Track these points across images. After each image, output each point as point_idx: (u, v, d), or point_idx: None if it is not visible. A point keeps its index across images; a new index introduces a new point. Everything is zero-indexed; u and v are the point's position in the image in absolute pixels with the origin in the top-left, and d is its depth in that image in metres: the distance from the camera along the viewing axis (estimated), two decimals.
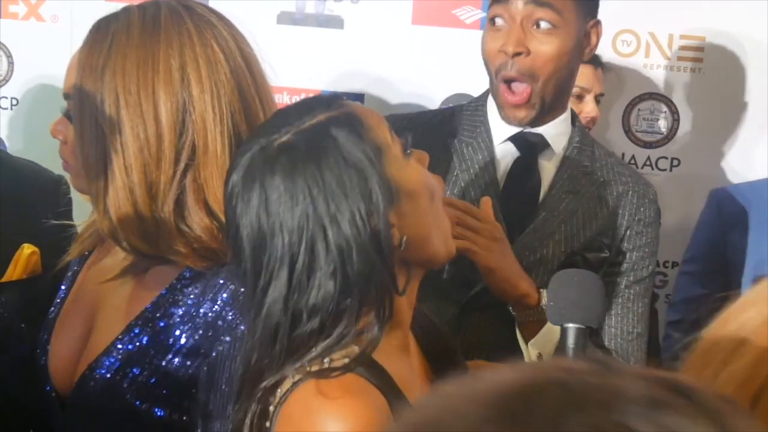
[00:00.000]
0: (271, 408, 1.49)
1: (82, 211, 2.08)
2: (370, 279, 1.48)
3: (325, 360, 1.48)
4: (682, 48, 3.31)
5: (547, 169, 2.32)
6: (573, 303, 1.77)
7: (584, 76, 2.93)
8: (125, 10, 1.73)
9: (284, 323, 1.50)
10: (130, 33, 1.68)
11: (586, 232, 2.27)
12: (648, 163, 3.37)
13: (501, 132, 2.30)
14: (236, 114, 1.68)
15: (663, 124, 3.34)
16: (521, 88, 2.21)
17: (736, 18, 3.24)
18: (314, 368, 1.48)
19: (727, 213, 2.96)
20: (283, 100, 3.40)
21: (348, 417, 1.44)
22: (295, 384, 1.48)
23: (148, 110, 1.65)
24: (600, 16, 2.29)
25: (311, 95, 3.33)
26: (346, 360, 1.48)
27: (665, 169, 3.36)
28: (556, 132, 2.31)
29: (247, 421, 1.49)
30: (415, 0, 3.32)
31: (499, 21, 2.20)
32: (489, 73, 2.26)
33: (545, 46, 2.18)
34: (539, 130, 2.29)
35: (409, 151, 1.58)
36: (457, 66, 3.29)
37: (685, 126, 3.34)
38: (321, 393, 1.45)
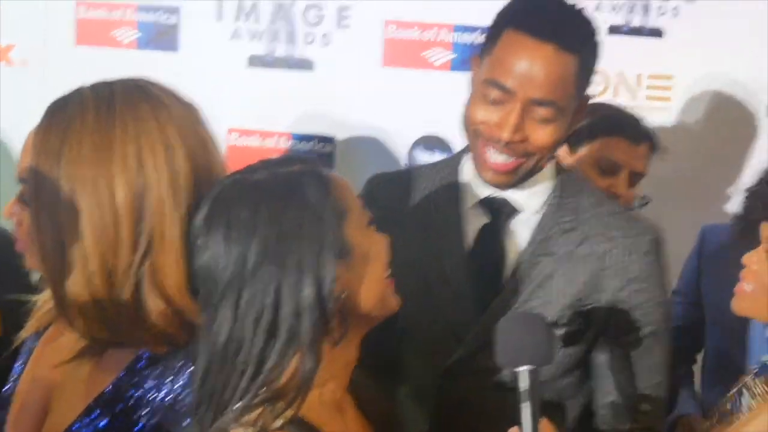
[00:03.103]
0: None
1: None
2: (303, 321, 1.55)
3: (259, 423, 1.52)
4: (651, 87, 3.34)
5: (521, 232, 2.20)
6: (521, 346, 1.73)
7: (621, 149, 2.80)
8: (78, 92, 1.69)
9: (229, 352, 1.56)
10: (84, 118, 1.64)
11: (563, 299, 2.16)
12: None
13: (472, 196, 2.23)
14: (192, 197, 1.65)
15: None
16: (510, 162, 2.12)
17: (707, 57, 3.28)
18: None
19: (706, 251, 3.00)
20: (254, 142, 3.40)
21: None
22: None
23: (104, 197, 1.61)
24: None
25: (283, 137, 3.36)
26: (280, 422, 1.52)
27: None
28: (531, 192, 2.21)
29: None
30: (385, 42, 3.34)
31: (493, 95, 2.09)
32: (468, 134, 2.17)
33: (542, 133, 2.09)
34: (513, 193, 2.20)
35: (373, 223, 1.67)
36: (427, 107, 3.31)
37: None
38: None
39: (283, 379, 1.55)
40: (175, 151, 1.65)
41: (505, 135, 2.06)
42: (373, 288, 1.65)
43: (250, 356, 1.55)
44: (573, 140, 2.77)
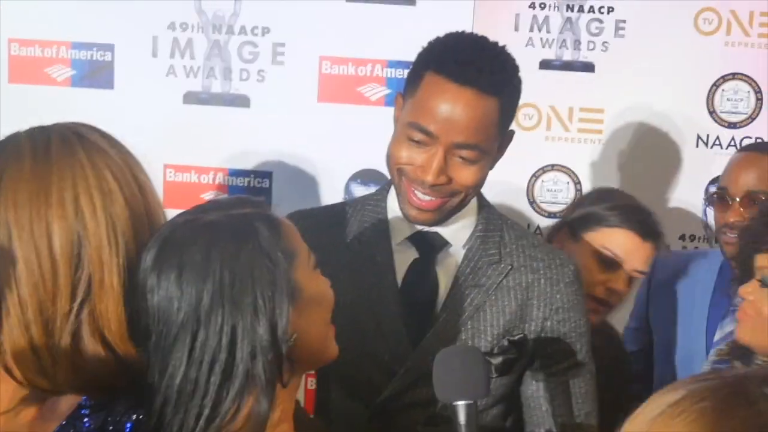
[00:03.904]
0: None
1: None
2: (258, 364, 1.55)
3: None
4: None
5: (450, 265, 2.22)
6: (458, 380, 1.76)
7: (626, 243, 2.67)
8: (14, 137, 1.67)
9: (184, 394, 1.55)
10: (20, 165, 1.62)
11: (494, 329, 2.18)
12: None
13: (400, 231, 2.24)
14: (129, 243, 1.64)
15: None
16: (434, 200, 2.13)
17: None
18: None
19: (655, 279, 3.04)
20: (191, 178, 3.40)
21: None
22: None
23: (42, 244, 1.59)
24: None
25: (220, 173, 3.36)
26: None
27: None
28: (457, 227, 2.23)
29: None
30: (320, 78, 3.36)
31: (417, 137, 2.08)
32: (392, 172, 2.17)
33: (466, 173, 2.10)
34: (439, 228, 2.21)
35: (318, 268, 1.69)
36: (363, 142, 3.32)
37: None
38: None
39: (239, 421, 1.55)
40: (113, 197, 1.64)
41: (429, 178, 2.08)
42: (319, 331, 1.67)
43: (206, 398, 1.54)
44: (577, 225, 2.72)
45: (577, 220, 2.74)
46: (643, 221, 2.70)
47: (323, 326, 1.68)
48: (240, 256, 1.56)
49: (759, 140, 3.29)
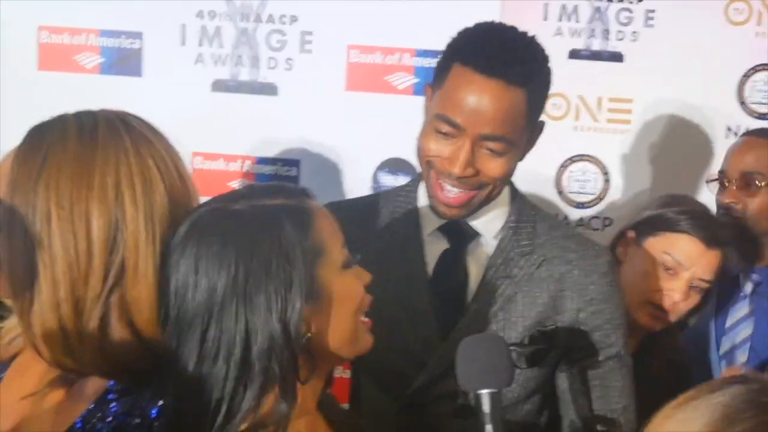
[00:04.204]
0: None
1: None
2: (271, 359, 1.54)
3: None
4: (611, 110, 3.37)
5: (481, 256, 2.20)
6: (483, 369, 1.74)
7: (686, 250, 2.59)
8: (61, 118, 1.68)
9: (201, 388, 1.55)
10: (66, 145, 1.63)
11: (525, 320, 2.17)
12: None
13: (430, 222, 2.23)
14: (166, 231, 1.65)
15: None
16: (462, 194, 2.12)
17: None
18: None
19: None
20: (219, 166, 3.41)
21: None
22: None
23: (80, 226, 1.60)
24: None
25: (248, 161, 3.36)
26: None
27: None
28: (489, 218, 2.21)
29: None
30: (348, 66, 3.36)
31: (444, 129, 2.07)
32: (422, 164, 2.16)
33: (493, 165, 2.08)
34: (470, 220, 2.19)
35: (350, 265, 1.66)
36: (391, 131, 3.32)
37: None
38: None
39: (260, 417, 1.55)
40: (154, 185, 1.65)
41: (456, 171, 2.07)
42: (341, 329, 1.64)
43: (223, 393, 1.54)
44: (642, 229, 2.67)
45: (643, 222, 2.69)
46: (709, 228, 2.62)
47: (349, 322, 1.66)
48: (256, 251, 1.55)
49: None
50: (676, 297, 2.58)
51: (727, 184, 2.89)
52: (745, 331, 2.91)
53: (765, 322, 2.90)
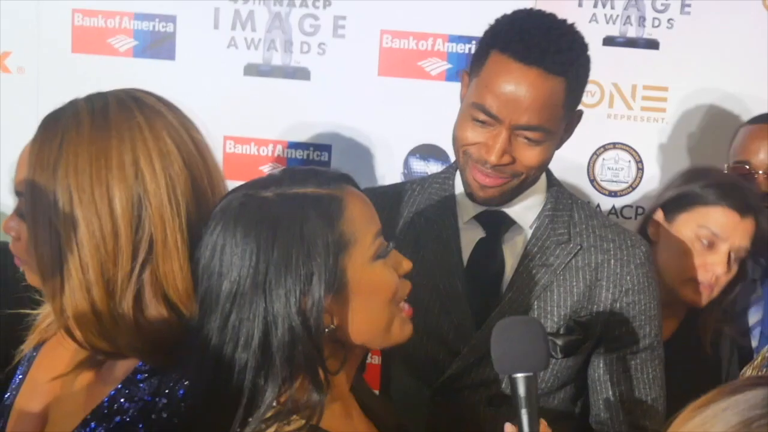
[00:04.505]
0: None
1: None
2: (293, 351, 1.53)
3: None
4: (646, 98, 3.34)
5: (517, 244, 2.20)
6: (518, 352, 1.72)
7: (722, 221, 2.58)
8: (72, 104, 1.70)
9: (216, 371, 1.55)
10: (80, 129, 1.64)
11: (561, 309, 2.16)
12: None
13: (467, 210, 2.23)
14: (190, 203, 1.66)
15: None
16: (498, 180, 2.12)
17: None
18: None
19: None
20: (250, 150, 3.41)
21: None
22: None
23: (102, 207, 1.62)
24: None
25: (279, 146, 3.36)
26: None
27: None
28: (525, 206, 2.21)
29: None
30: (381, 51, 3.35)
31: (481, 118, 2.07)
32: (458, 153, 2.16)
33: (530, 155, 2.08)
34: (506, 208, 2.20)
35: (383, 255, 1.64)
36: (423, 116, 3.31)
37: None
38: None
39: (294, 400, 1.55)
40: (172, 158, 1.66)
41: (493, 159, 2.06)
42: (371, 320, 1.63)
43: (244, 383, 1.54)
44: (671, 207, 2.67)
45: (670, 201, 2.68)
46: (740, 196, 2.61)
47: (381, 313, 1.64)
48: (277, 243, 1.54)
49: None
50: (718, 270, 2.58)
51: (756, 175, 2.86)
52: (755, 315, 2.88)
53: None
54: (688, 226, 2.62)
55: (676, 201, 2.66)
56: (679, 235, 2.62)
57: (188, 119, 1.75)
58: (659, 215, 2.68)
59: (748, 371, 2.13)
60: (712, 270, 2.59)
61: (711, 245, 2.59)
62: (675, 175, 2.85)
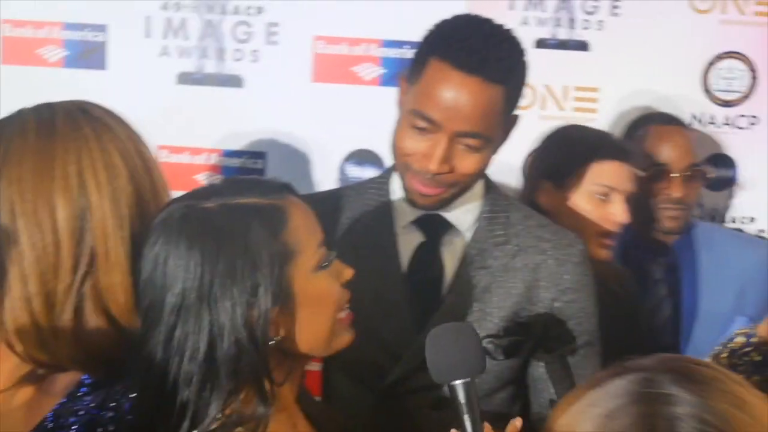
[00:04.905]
0: None
1: None
2: (239, 363, 1.52)
3: None
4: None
5: (456, 248, 2.21)
6: (454, 359, 1.71)
7: (611, 173, 2.72)
8: (19, 113, 1.68)
9: (161, 384, 1.54)
10: (25, 139, 1.63)
11: (501, 311, 2.17)
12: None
13: (404, 214, 2.22)
14: (134, 218, 1.65)
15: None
16: (437, 189, 2.12)
17: None
18: None
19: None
20: (185, 159, 3.39)
21: None
22: None
23: (45, 218, 1.60)
24: None
25: (214, 154, 3.34)
26: None
27: None
28: (463, 210, 2.22)
29: None
30: (314, 57, 3.35)
31: (420, 125, 2.07)
32: (397, 162, 2.16)
33: (469, 162, 2.09)
34: (444, 213, 2.21)
35: (326, 264, 1.64)
36: (358, 122, 3.31)
37: None
38: None
39: (238, 412, 1.54)
40: (118, 172, 1.65)
41: (433, 167, 2.07)
42: (316, 330, 1.63)
43: (189, 396, 1.53)
44: (557, 174, 2.74)
45: (553, 169, 2.77)
46: (613, 143, 2.82)
47: (324, 322, 1.64)
48: (222, 254, 1.53)
49: (754, 118, 3.31)
50: (620, 218, 2.71)
51: (674, 178, 2.96)
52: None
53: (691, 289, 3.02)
54: (583, 186, 2.72)
55: (560, 167, 2.74)
56: (576, 195, 2.71)
57: (136, 133, 1.73)
58: (547, 185, 2.75)
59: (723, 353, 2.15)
60: (615, 218, 2.71)
61: (607, 197, 2.71)
62: (539, 145, 2.91)
